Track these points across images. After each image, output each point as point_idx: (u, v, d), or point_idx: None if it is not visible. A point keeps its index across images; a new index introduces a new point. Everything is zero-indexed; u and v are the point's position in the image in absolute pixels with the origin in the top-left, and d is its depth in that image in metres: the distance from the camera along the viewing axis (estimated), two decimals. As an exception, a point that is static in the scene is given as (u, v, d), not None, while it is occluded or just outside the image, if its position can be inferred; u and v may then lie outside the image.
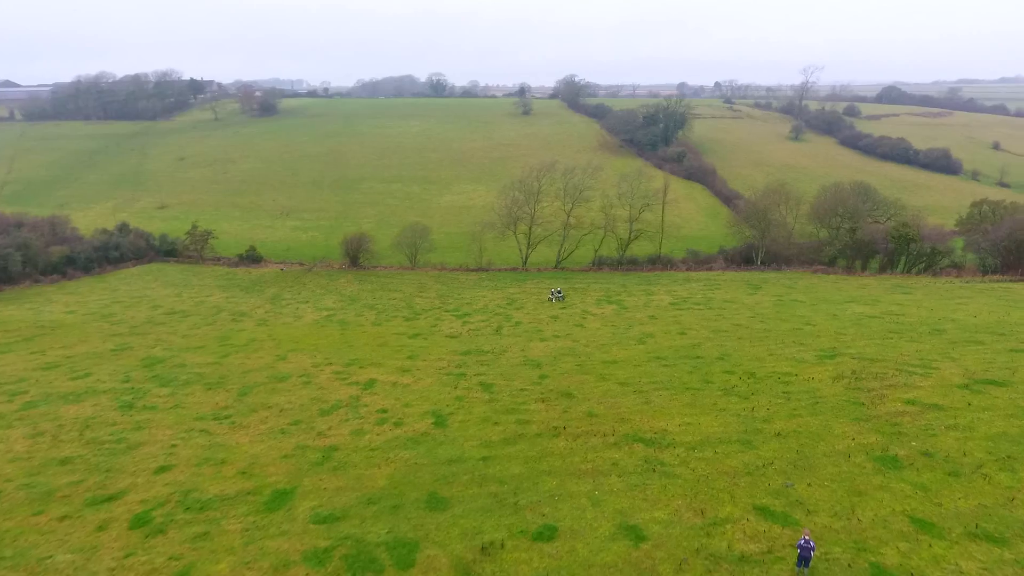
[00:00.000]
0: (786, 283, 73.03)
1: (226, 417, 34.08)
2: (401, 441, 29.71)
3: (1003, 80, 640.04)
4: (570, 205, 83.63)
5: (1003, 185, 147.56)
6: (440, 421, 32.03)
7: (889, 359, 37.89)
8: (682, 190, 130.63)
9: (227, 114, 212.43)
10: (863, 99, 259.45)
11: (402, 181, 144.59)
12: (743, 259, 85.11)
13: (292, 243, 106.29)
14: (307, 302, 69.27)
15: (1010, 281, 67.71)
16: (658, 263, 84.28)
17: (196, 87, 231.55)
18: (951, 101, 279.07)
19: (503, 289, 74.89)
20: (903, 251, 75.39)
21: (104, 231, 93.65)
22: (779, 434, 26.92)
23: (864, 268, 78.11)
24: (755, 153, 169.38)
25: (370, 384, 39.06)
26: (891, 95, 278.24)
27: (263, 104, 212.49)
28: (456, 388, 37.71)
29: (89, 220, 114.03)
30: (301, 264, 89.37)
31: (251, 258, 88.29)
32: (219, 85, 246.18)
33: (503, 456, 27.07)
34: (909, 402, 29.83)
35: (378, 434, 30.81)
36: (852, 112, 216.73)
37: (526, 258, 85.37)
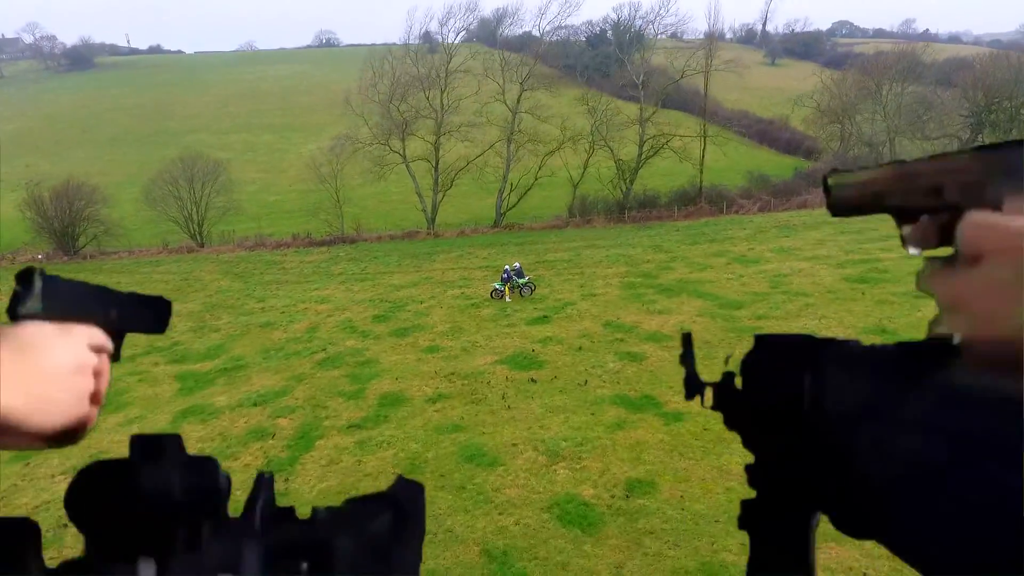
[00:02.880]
0: None
1: None
2: None
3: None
4: (518, 91, 40.59)
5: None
6: None
7: None
8: (661, 118, 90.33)
9: (21, 71, 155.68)
10: (818, 32, 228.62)
11: (250, 130, 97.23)
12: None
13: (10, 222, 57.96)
14: None
15: None
16: (699, 203, 42.46)
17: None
18: (906, 34, 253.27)
19: (377, 278, 30.96)
20: None
21: None
22: None
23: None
24: (733, 78, 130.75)
25: None
26: (843, 29, 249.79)
27: (75, 57, 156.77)
28: None
29: None
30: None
31: None
32: (30, 42, 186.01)
33: None
34: None
35: None
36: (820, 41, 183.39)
37: (434, 212, 41.56)
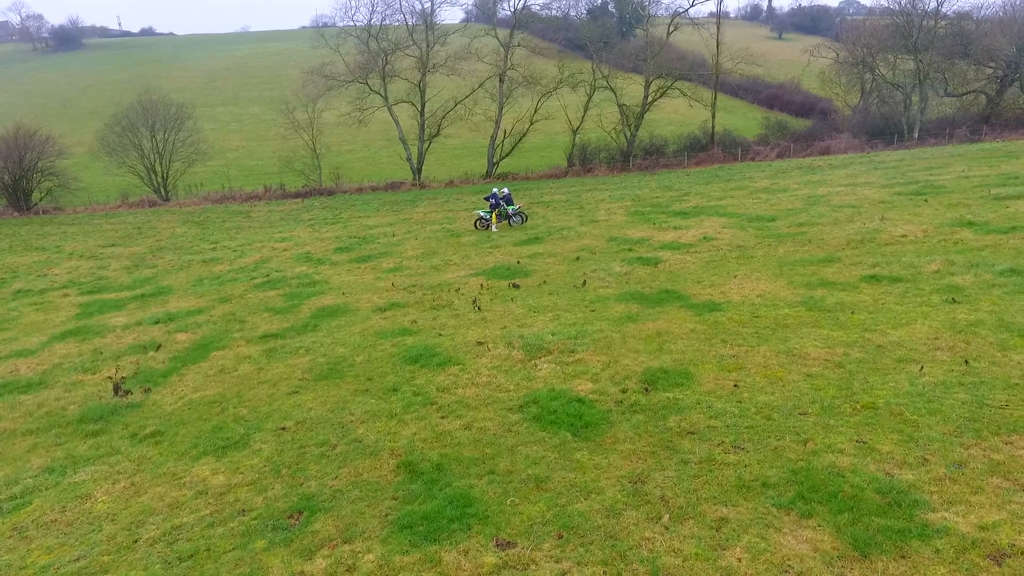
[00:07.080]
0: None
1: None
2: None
3: None
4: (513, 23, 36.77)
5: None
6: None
7: None
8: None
9: (8, 52, 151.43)
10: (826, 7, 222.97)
11: (237, 103, 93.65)
12: (873, 131, 40.72)
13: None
14: None
15: None
16: (712, 148, 38.63)
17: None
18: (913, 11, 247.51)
19: (350, 221, 27.28)
20: None
21: None
22: None
23: None
24: (742, 52, 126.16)
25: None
26: (850, 8, 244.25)
27: (62, 37, 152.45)
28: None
29: None
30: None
31: None
32: (16, 23, 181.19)
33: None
34: None
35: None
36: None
37: (420, 161, 37.87)
